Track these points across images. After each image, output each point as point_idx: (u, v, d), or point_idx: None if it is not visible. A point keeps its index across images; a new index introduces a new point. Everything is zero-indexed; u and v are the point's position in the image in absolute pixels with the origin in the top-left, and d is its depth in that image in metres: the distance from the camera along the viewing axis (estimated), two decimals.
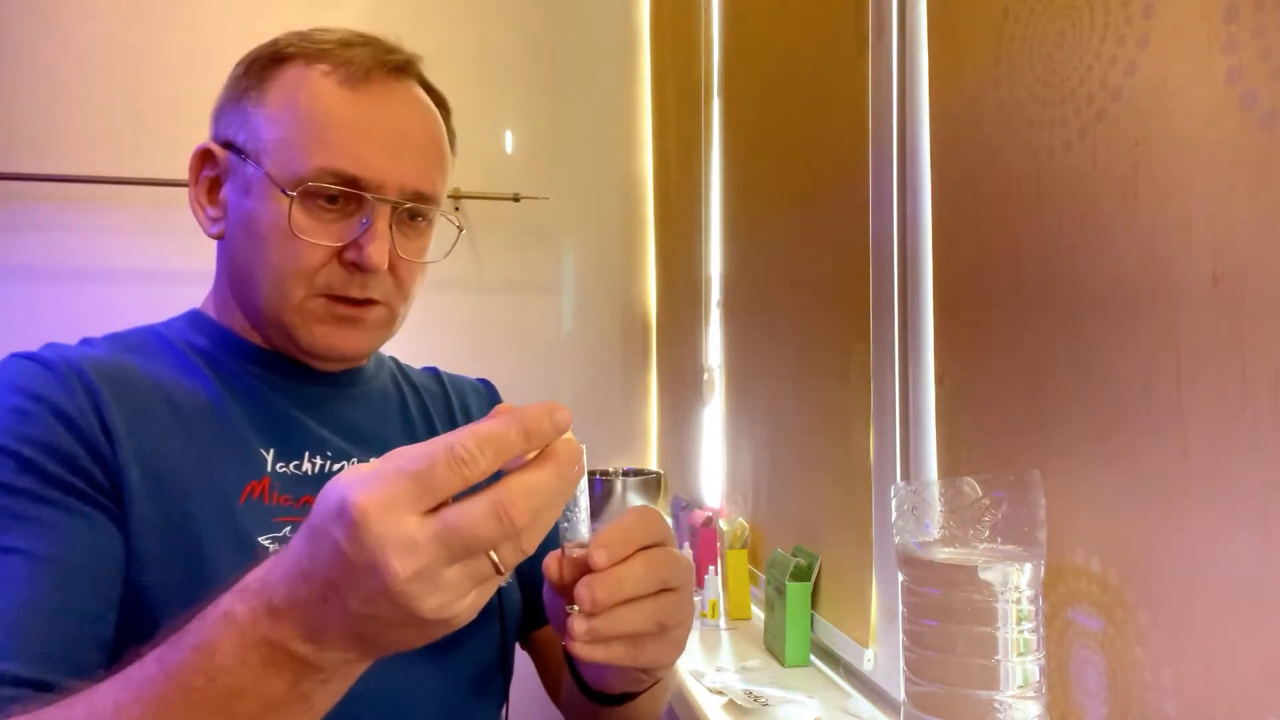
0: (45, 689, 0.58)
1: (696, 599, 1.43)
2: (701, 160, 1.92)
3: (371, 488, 0.44)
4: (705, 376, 1.94)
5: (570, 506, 0.59)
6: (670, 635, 0.63)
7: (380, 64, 0.78)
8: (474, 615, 0.48)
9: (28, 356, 0.73)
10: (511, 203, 2.17)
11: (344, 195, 0.76)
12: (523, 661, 0.94)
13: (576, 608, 0.58)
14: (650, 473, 2.18)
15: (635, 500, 2.08)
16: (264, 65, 0.79)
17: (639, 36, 2.34)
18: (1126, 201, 0.74)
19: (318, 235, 0.76)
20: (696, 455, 1.99)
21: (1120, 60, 0.75)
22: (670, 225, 2.21)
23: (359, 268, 0.76)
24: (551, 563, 0.62)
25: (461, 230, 0.91)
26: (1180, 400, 0.69)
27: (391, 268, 0.78)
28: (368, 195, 0.76)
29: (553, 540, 0.62)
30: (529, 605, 0.91)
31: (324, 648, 0.48)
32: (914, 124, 1.11)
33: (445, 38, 2.16)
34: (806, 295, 1.43)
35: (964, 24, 0.98)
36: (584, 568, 0.59)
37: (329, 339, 0.80)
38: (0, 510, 0.63)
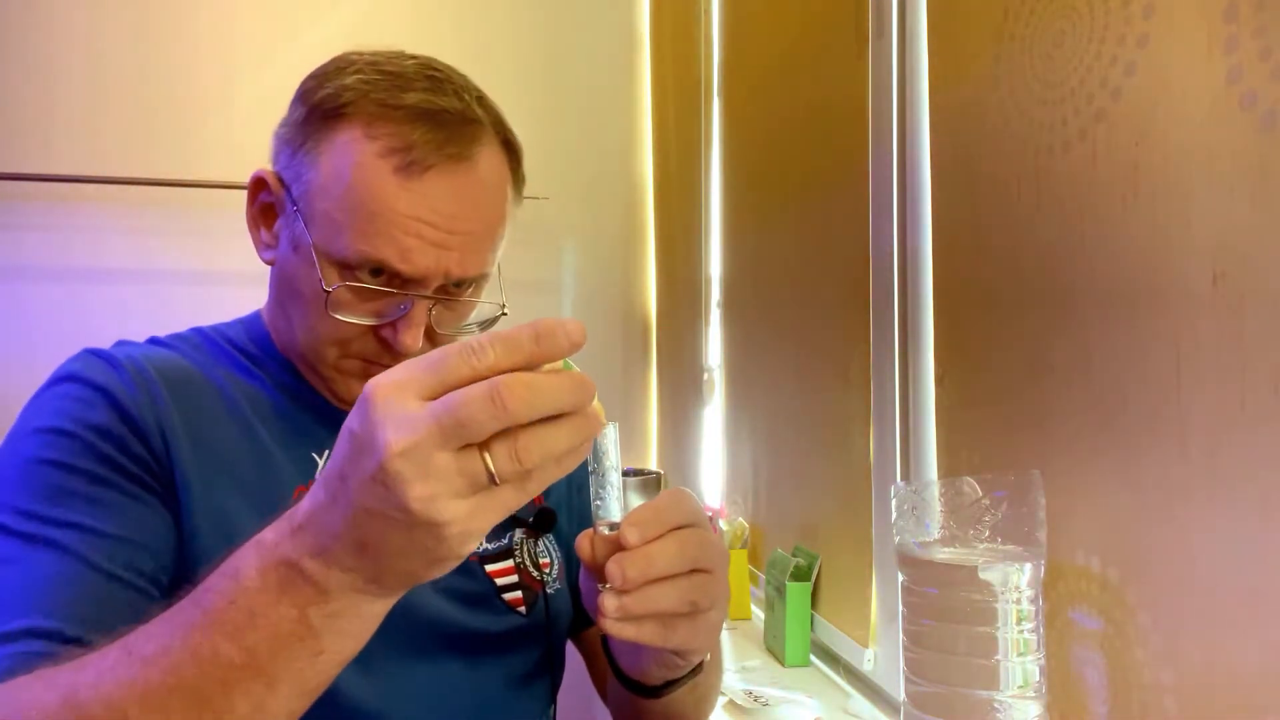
0: (87, 646, 0.59)
1: None
2: (701, 160, 1.92)
3: (388, 374, 0.47)
4: (705, 376, 1.94)
5: (602, 485, 0.60)
6: (704, 617, 0.63)
7: (443, 156, 0.72)
8: (467, 542, 0.47)
9: (96, 353, 0.76)
10: None
11: (386, 277, 0.74)
12: (576, 667, 0.94)
13: (608, 585, 0.59)
14: (650, 473, 2.18)
15: (635, 500, 2.08)
16: (323, 117, 0.74)
17: (639, 36, 2.33)
18: (1126, 201, 0.74)
19: (355, 313, 0.75)
20: (696, 455, 1.99)
21: (1120, 60, 0.75)
22: (670, 225, 2.21)
23: (391, 347, 0.76)
24: (584, 541, 0.62)
25: (504, 312, 0.84)
26: (1180, 400, 0.69)
27: (429, 337, 0.78)
28: (408, 293, 0.74)
29: (586, 522, 0.62)
30: (579, 607, 0.91)
31: (330, 564, 0.48)
32: (914, 124, 1.11)
33: (445, 37, 2.16)
34: (806, 295, 1.43)
35: (964, 24, 0.98)
36: (616, 546, 0.59)
37: None
38: (61, 488, 0.67)
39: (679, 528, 0.61)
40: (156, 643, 0.51)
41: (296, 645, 0.49)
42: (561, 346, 0.47)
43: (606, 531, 0.60)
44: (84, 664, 0.53)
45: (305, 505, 0.50)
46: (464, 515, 0.46)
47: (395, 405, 0.45)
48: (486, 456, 0.45)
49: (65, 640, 0.60)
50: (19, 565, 0.63)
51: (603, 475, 0.59)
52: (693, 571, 0.61)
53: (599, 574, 0.60)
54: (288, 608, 0.49)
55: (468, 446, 0.45)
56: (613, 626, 0.59)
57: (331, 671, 0.52)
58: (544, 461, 0.47)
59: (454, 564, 0.49)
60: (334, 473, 0.48)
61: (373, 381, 0.46)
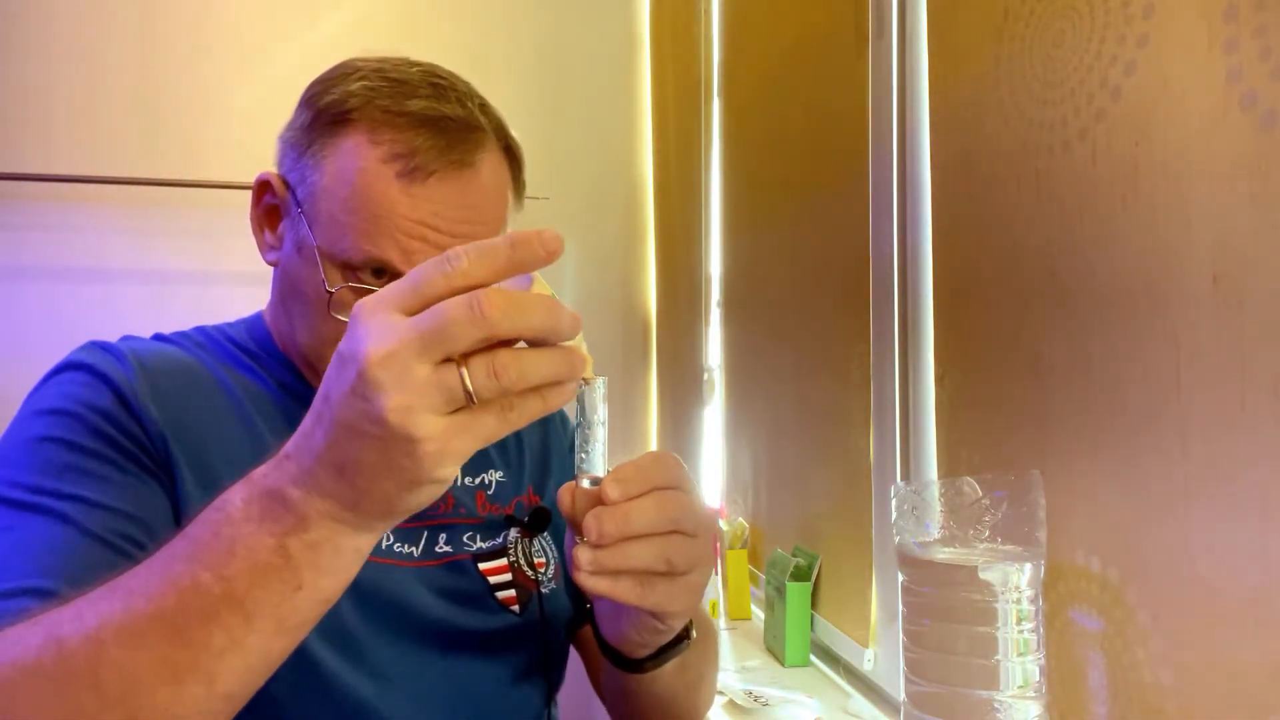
0: None
1: None
2: (701, 160, 1.92)
3: (374, 295, 0.48)
4: (705, 376, 1.94)
5: (588, 440, 0.60)
6: (682, 580, 0.63)
7: (446, 163, 0.73)
8: (442, 464, 0.47)
9: (100, 345, 0.78)
10: None
11: (389, 278, 0.75)
12: (573, 669, 0.94)
13: (584, 539, 0.59)
14: None
15: None
16: (328, 122, 0.75)
17: (639, 36, 2.33)
18: (1126, 201, 0.74)
19: None
20: (696, 455, 1.99)
21: (1120, 60, 0.75)
22: (670, 225, 2.21)
23: None
24: (565, 494, 0.62)
25: None
26: (1180, 400, 0.69)
27: None
28: None
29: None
30: (577, 607, 0.91)
31: (310, 490, 0.49)
32: (914, 124, 1.11)
33: (445, 38, 2.16)
34: (806, 295, 1.43)
35: (964, 24, 0.98)
36: (596, 501, 0.60)
37: None
38: (61, 463, 0.68)
39: (663, 489, 0.61)
40: (141, 576, 0.51)
41: (274, 577, 0.49)
42: (538, 254, 0.47)
43: (588, 485, 0.60)
44: (71, 604, 0.53)
45: (295, 436, 0.50)
46: (439, 433, 0.46)
47: (378, 318, 0.46)
48: (464, 372, 0.46)
49: (61, 601, 0.61)
50: (17, 532, 0.64)
51: (589, 429, 0.59)
52: (672, 533, 0.61)
53: (578, 528, 0.60)
54: (267, 537, 0.49)
55: (447, 362, 0.46)
56: (586, 580, 0.59)
57: (310, 612, 0.51)
58: (521, 384, 0.47)
59: (430, 490, 0.49)
60: (321, 394, 0.49)
61: (360, 301, 0.48)
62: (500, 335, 0.46)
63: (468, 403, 0.46)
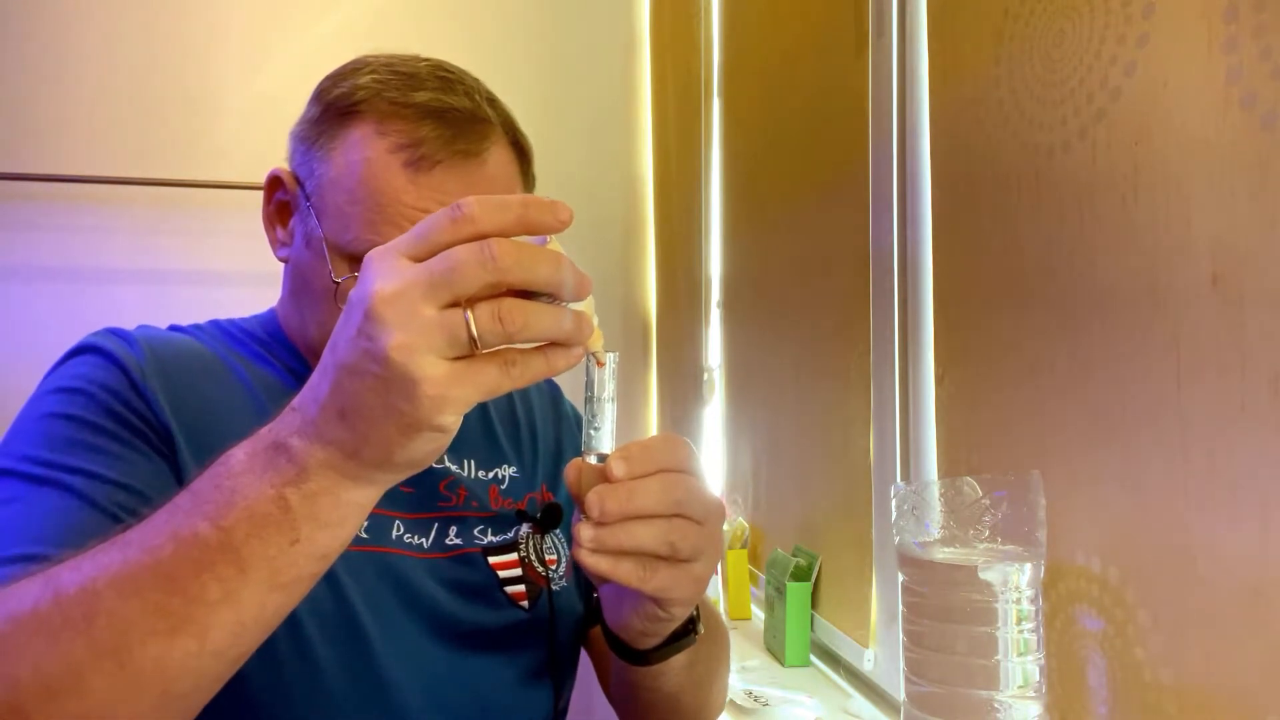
0: None
1: None
2: (701, 160, 1.92)
3: (383, 244, 0.49)
4: (705, 376, 1.94)
5: (596, 416, 0.59)
6: (686, 567, 0.62)
7: (452, 153, 0.74)
8: (442, 410, 0.47)
9: (114, 331, 0.79)
10: None
11: None
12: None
13: (585, 516, 0.58)
14: None
15: None
16: (337, 115, 0.76)
17: (639, 36, 2.33)
18: (1126, 201, 0.74)
19: None
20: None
21: (1120, 60, 0.75)
22: (670, 225, 2.21)
23: None
24: (571, 470, 0.62)
25: None
26: (1180, 400, 0.69)
27: None
28: None
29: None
30: (586, 603, 0.91)
31: (312, 439, 0.49)
32: (914, 124, 1.11)
33: (444, 37, 2.16)
34: (806, 295, 1.43)
35: (964, 24, 0.98)
36: (602, 478, 0.59)
37: None
38: (69, 438, 0.69)
39: (670, 471, 0.61)
40: (141, 529, 0.52)
41: (272, 528, 0.49)
42: (548, 219, 0.48)
43: (595, 461, 0.60)
44: (71, 559, 0.53)
45: (302, 391, 0.51)
46: (440, 376, 0.46)
47: (386, 262, 0.47)
48: (469, 315, 0.46)
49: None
50: (23, 503, 0.65)
51: (598, 405, 0.59)
52: (676, 516, 0.60)
53: (582, 504, 0.60)
54: (266, 487, 0.49)
55: (453, 306, 0.46)
56: (587, 558, 0.59)
57: (305, 568, 0.51)
58: (525, 333, 0.47)
59: (430, 439, 0.49)
60: (328, 347, 0.49)
61: (370, 251, 0.49)
62: (509, 282, 0.46)
63: (471, 349, 0.46)
